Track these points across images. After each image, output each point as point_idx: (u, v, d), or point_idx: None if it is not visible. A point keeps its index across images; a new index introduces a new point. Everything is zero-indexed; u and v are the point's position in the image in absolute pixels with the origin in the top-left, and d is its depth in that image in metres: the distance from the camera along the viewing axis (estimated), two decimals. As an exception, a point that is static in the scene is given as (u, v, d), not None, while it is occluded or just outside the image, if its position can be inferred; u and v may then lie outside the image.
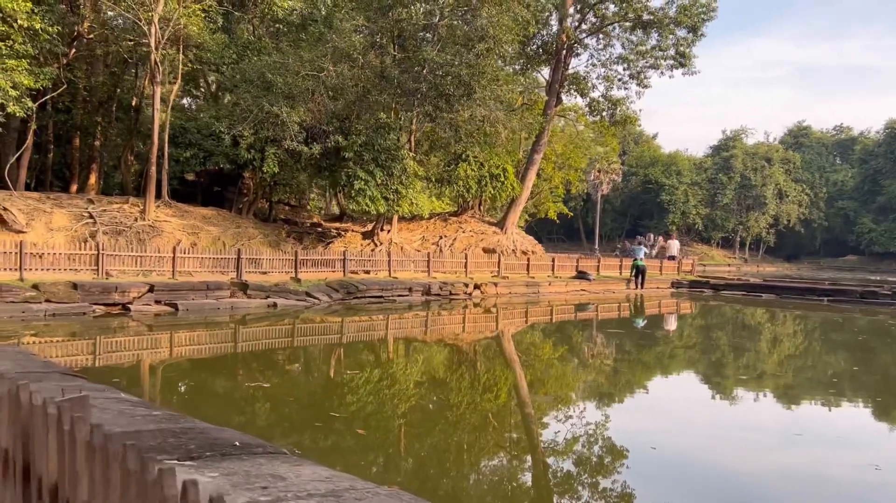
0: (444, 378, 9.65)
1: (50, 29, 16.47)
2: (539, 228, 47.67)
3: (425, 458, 5.89)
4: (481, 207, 31.03)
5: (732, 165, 62.05)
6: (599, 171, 45.66)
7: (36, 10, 16.46)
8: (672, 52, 26.21)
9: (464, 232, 27.82)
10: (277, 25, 25.25)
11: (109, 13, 21.56)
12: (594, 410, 8.05)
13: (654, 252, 41.08)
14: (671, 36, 25.88)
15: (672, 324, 17.95)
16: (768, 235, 65.27)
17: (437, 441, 6.39)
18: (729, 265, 56.51)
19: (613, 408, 8.25)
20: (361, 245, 23.80)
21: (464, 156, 25.44)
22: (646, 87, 26.51)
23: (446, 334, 14.39)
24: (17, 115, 16.11)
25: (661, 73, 26.13)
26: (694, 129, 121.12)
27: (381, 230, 24.40)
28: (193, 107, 29.23)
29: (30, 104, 16.70)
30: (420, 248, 25.33)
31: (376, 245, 23.92)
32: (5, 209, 16.68)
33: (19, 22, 15.67)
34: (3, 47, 16.02)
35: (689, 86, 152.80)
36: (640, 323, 18.07)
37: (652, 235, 52.76)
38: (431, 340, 13.43)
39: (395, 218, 24.44)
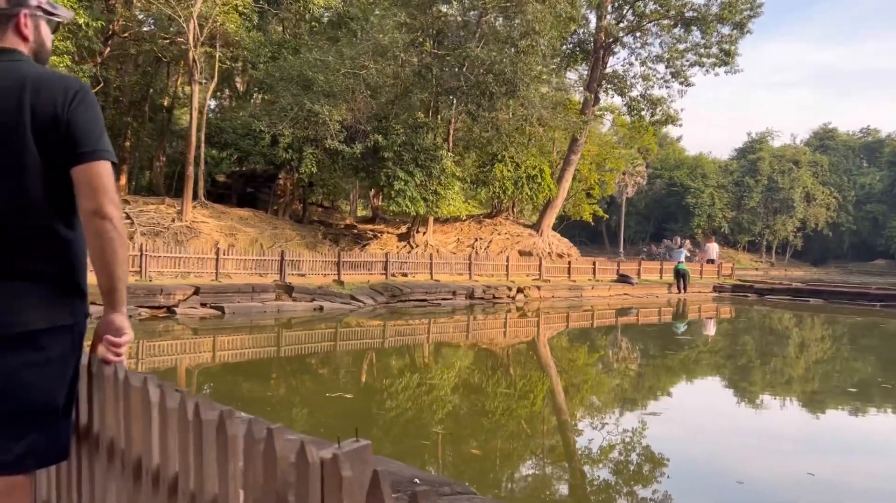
0: (532, 388, 9.02)
1: (93, 24, 16.03)
2: (563, 231, 46.87)
3: (573, 486, 5.27)
4: (514, 209, 30.38)
5: (759, 168, 60.90)
6: (625, 174, 44.92)
7: (76, 7, 16.03)
8: (715, 49, 25.47)
9: (499, 234, 27.18)
10: (312, 23, 24.78)
11: (143, 12, 21.19)
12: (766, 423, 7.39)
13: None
14: (715, 33, 25.13)
15: (735, 333, 17.18)
16: (795, 239, 64.01)
17: (561, 461, 5.77)
18: (756, 269, 55.37)
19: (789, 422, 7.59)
20: (397, 247, 23.24)
21: (500, 156, 24.82)
22: (689, 85, 25.81)
23: (511, 340, 13.76)
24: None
25: (707, 71, 25.37)
26: (713, 132, 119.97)
27: (417, 232, 23.83)
28: (220, 107, 28.79)
29: (70, 102, 16.24)
30: (455, 251, 24.73)
31: (412, 247, 23.34)
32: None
33: (61, 17, 15.21)
34: (44, 43, 15.58)
35: (707, 88, 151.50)
36: (704, 331, 17.30)
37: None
38: (498, 346, 12.79)
39: (431, 220, 23.88)
